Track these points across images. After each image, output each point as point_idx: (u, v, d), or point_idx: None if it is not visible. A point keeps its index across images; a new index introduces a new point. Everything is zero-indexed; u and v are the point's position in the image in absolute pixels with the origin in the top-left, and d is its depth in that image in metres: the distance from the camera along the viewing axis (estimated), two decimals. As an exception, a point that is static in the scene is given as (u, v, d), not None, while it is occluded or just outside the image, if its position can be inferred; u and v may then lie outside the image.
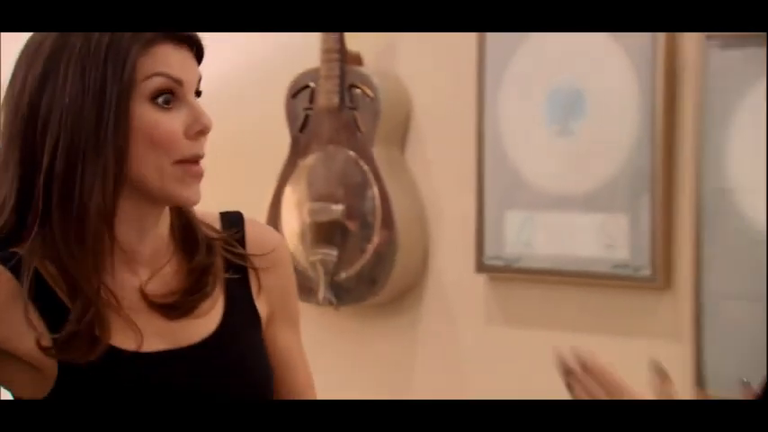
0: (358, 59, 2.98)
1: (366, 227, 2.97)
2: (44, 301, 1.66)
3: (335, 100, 2.96)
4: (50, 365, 1.65)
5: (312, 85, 2.98)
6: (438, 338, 3.07)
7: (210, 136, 1.70)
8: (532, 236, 2.87)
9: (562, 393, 2.31)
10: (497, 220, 2.89)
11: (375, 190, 2.95)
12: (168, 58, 1.67)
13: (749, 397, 1.70)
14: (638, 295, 2.80)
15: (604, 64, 2.77)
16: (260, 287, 1.80)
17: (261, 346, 1.79)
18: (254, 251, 1.79)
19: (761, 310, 2.63)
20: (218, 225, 1.78)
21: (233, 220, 1.81)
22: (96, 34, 1.68)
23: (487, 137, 2.88)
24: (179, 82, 1.67)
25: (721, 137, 2.65)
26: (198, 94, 1.72)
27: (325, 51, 2.92)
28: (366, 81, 2.95)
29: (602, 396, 1.57)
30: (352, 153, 2.98)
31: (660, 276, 2.72)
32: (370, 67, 3.00)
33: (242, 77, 3.06)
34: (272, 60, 3.17)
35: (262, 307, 1.80)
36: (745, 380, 1.73)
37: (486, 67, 2.87)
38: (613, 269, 2.76)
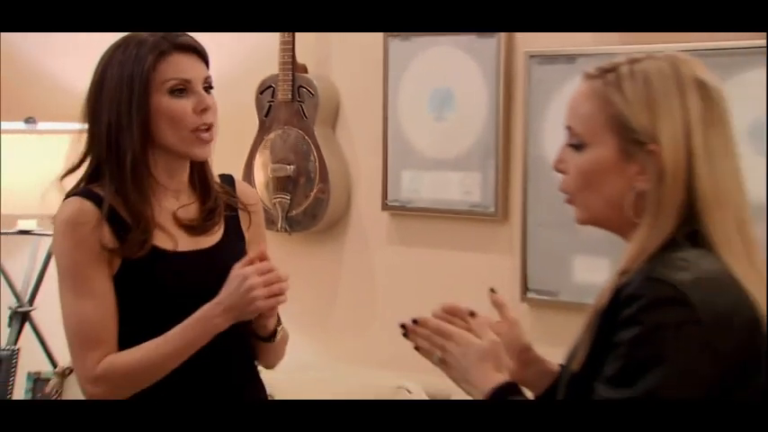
0: (304, 68, 3.14)
1: (309, 180, 3.12)
2: (113, 220, 1.90)
3: (289, 96, 3.10)
4: (115, 261, 1.91)
5: (273, 85, 3.13)
6: (357, 255, 3.18)
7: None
8: (419, 186, 3.05)
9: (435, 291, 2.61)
10: (396, 176, 3.08)
11: (315, 155, 3.11)
12: (179, 65, 1.90)
13: (496, 304, 1.64)
14: (485, 226, 2.97)
15: (466, 73, 2.93)
16: (247, 222, 2.04)
17: (244, 252, 1.99)
18: (242, 197, 2.06)
19: (564, 235, 2.77)
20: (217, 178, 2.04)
21: (228, 179, 2.07)
22: (133, 49, 1.89)
23: (390, 119, 3.07)
24: (187, 80, 1.90)
25: (540, 122, 2.82)
26: (208, 88, 1.93)
27: (282, 63, 3.07)
28: (309, 83, 3.11)
29: (439, 342, 1.51)
30: (300, 132, 3.12)
31: (500, 213, 2.91)
32: (312, 73, 3.15)
33: (228, 77, 2.95)
34: (246, 67, 3.23)
35: (245, 233, 2.06)
36: (493, 289, 1.66)
37: (389, 72, 3.06)
38: (470, 208, 2.95)
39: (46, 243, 3.35)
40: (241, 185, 2.12)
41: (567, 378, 1.47)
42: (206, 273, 1.94)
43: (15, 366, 3.16)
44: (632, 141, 1.41)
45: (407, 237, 3.04)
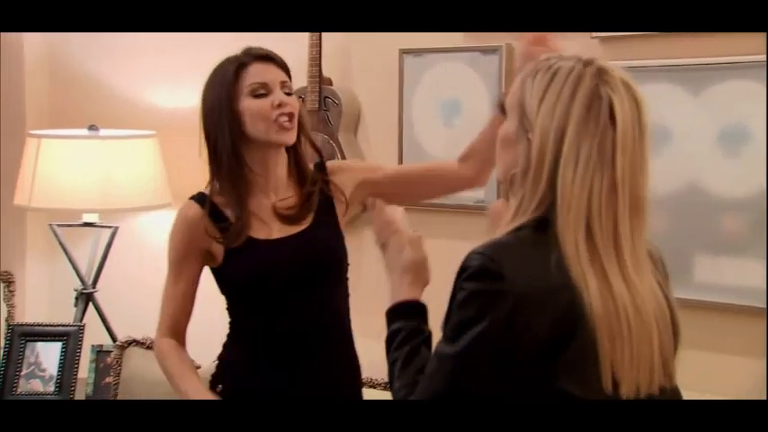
0: (329, 81, 3.13)
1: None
2: (217, 217, 2.03)
3: (316, 105, 3.10)
4: (220, 251, 2.05)
5: (302, 96, 3.07)
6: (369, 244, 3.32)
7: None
8: (431, 185, 3.06)
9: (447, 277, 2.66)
10: (411, 175, 3.11)
11: (339, 158, 3.07)
12: (257, 71, 2.01)
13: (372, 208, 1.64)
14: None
15: (471, 85, 2.93)
16: (339, 196, 2.10)
17: (334, 235, 2.09)
18: (335, 176, 2.13)
19: None
20: (311, 167, 2.13)
21: (320, 166, 2.14)
22: (220, 69, 2.01)
23: (405, 126, 3.06)
24: (264, 83, 2.01)
25: None
26: (287, 94, 1.99)
27: (310, 76, 3.07)
28: (334, 94, 3.11)
29: (385, 233, 1.59)
30: (325, 137, 3.11)
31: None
32: (336, 85, 3.14)
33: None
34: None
35: (340, 207, 2.11)
36: (370, 200, 1.72)
37: (404, 84, 3.05)
38: (475, 203, 2.93)
39: (106, 234, 3.43)
40: (331, 165, 2.18)
41: None
42: (294, 256, 2.03)
43: (81, 340, 3.28)
44: (522, 125, 1.37)
45: (421, 228, 2.76)
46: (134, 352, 2.92)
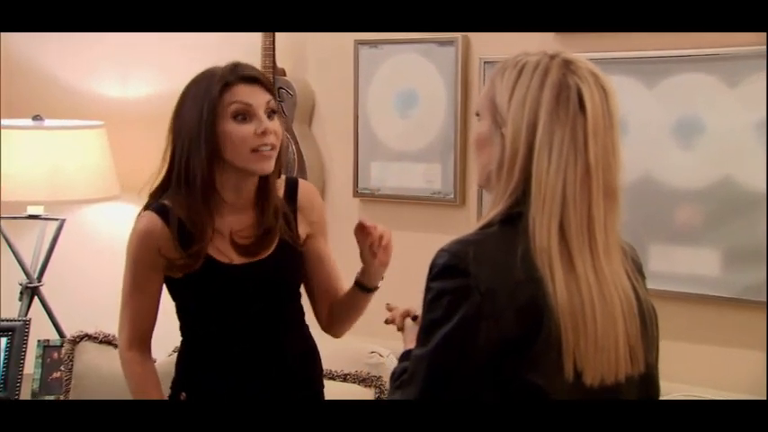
0: (283, 72, 3.12)
1: (288, 171, 3.05)
2: (180, 232, 1.95)
3: None
4: (180, 268, 1.97)
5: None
6: (332, 236, 2.76)
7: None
8: (386, 176, 3.06)
9: (401, 267, 2.64)
10: (365, 166, 3.09)
11: (293, 149, 3.11)
12: (240, 92, 1.91)
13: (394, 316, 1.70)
14: (446, 210, 2.97)
15: (427, 77, 2.94)
16: (303, 222, 2.06)
17: (295, 260, 2.05)
18: (302, 202, 2.07)
19: None
20: (282, 186, 2.04)
21: (292, 183, 2.08)
22: (204, 82, 1.92)
23: (360, 117, 3.08)
24: (248, 105, 1.92)
25: None
26: (270, 113, 1.93)
27: (264, 67, 3.03)
28: (288, 85, 3.10)
29: (400, 323, 1.66)
30: None
31: (459, 199, 2.93)
32: (290, 76, 3.13)
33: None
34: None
35: (303, 232, 2.06)
36: (389, 304, 1.76)
37: (359, 76, 3.06)
38: (431, 195, 2.97)
39: (52, 226, 3.38)
40: (303, 186, 2.12)
41: None
42: (256, 283, 2.01)
43: (27, 335, 3.20)
44: (496, 123, 1.39)
45: (376, 220, 2.76)
46: (86, 347, 2.87)
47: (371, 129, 3.11)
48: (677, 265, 2.62)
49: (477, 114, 1.46)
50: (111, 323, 3.06)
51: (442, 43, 2.93)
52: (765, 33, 2.36)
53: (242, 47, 3.09)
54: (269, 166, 1.95)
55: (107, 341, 2.89)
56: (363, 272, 2.05)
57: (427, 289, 1.35)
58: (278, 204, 2.03)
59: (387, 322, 1.67)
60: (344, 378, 2.79)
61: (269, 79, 2.04)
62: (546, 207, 1.32)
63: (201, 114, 1.90)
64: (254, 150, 1.92)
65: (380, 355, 2.91)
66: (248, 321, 2.04)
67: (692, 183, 2.58)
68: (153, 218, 1.97)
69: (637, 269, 1.46)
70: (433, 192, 3.00)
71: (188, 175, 1.92)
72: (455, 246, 1.34)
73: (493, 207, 1.39)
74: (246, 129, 1.91)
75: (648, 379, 1.44)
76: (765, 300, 2.51)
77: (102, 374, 2.81)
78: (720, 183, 2.57)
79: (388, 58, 3.06)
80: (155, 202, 2.01)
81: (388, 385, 2.77)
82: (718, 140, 2.57)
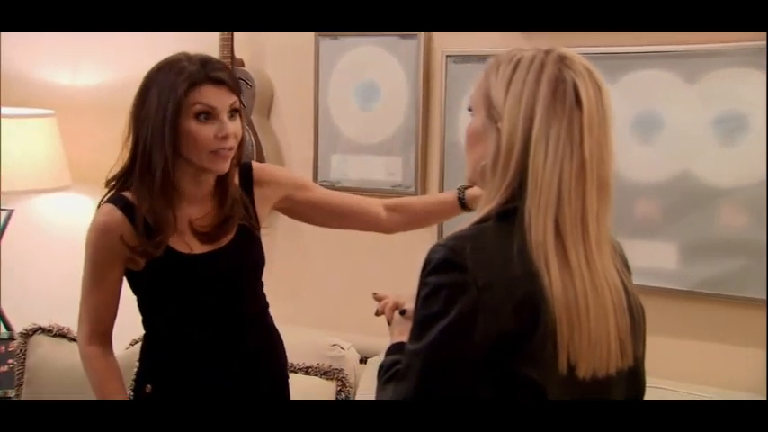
0: (241, 62, 3.12)
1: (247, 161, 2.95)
2: (141, 225, 1.96)
3: None
4: (141, 260, 1.99)
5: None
6: (291, 229, 3.01)
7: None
8: (347, 168, 3.07)
9: (362, 258, 2.61)
10: (326, 159, 3.10)
11: (252, 140, 3.09)
12: (206, 94, 1.92)
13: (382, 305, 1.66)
14: None
15: (389, 69, 2.96)
16: (265, 200, 2.08)
17: (255, 247, 2.08)
18: (259, 182, 2.11)
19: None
20: (236, 173, 2.06)
21: (246, 168, 2.11)
22: (172, 76, 1.91)
23: (321, 109, 3.08)
24: (212, 107, 1.93)
25: (455, 113, 2.85)
26: (233, 112, 1.94)
27: (222, 57, 3.01)
28: (247, 76, 3.09)
29: (389, 314, 1.63)
30: None
31: (420, 191, 2.95)
32: (248, 66, 3.13)
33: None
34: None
35: (261, 214, 2.10)
36: (377, 293, 1.70)
37: (320, 67, 3.07)
38: (393, 188, 2.99)
39: (0, 217, 3.31)
40: (259, 173, 2.15)
41: None
42: (216, 271, 2.03)
43: (-27, 329, 3.13)
44: (491, 117, 1.39)
45: None
46: (40, 340, 2.83)
47: (332, 121, 3.12)
48: (636, 258, 2.61)
49: (470, 109, 1.47)
50: (61, 316, 3.08)
51: (404, 36, 2.95)
52: (721, 33, 2.41)
53: (198, 36, 3.07)
54: (225, 167, 1.98)
55: (61, 334, 2.86)
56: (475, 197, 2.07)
57: (423, 284, 1.35)
58: (236, 194, 2.06)
59: (377, 314, 1.66)
60: (306, 371, 2.80)
61: (236, 80, 2.03)
62: (542, 201, 1.34)
63: (166, 111, 1.91)
64: (213, 152, 1.94)
65: (342, 348, 2.93)
66: (210, 310, 2.04)
67: (650, 177, 2.63)
68: (113, 210, 1.98)
69: (624, 264, 1.48)
70: (394, 184, 3.02)
71: (149, 167, 1.94)
72: (451, 241, 1.35)
73: (487, 202, 1.39)
74: (207, 130, 1.93)
75: (636, 373, 1.46)
76: (727, 293, 2.61)
77: (58, 368, 2.78)
78: (678, 177, 2.63)
79: (349, 50, 3.07)
80: (115, 194, 2.01)
81: (350, 378, 2.84)
82: (676, 136, 2.64)
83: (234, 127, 1.97)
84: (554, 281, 1.32)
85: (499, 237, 1.35)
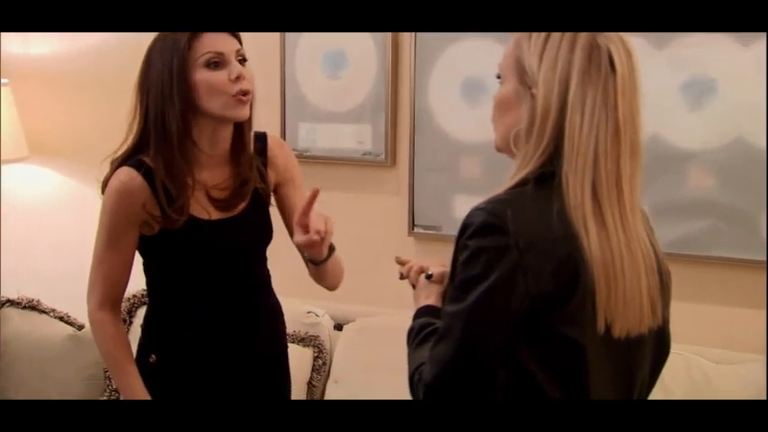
0: None
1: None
2: (160, 191, 1.93)
3: None
4: (157, 225, 1.96)
5: None
6: None
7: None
8: (315, 137, 3.08)
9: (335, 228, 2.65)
10: (293, 128, 3.11)
11: None
12: (212, 40, 1.91)
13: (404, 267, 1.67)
14: (376, 171, 3.05)
15: (357, 36, 2.97)
16: (272, 174, 2.07)
17: (267, 215, 2.07)
18: (272, 156, 2.09)
19: (446, 177, 2.91)
20: (252, 140, 2.04)
21: (261, 137, 2.09)
22: (171, 35, 1.89)
23: (287, 80, 3.10)
24: (220, 53, 1.91)
25: (425, 79, 2.91)
26: (241, 61, 1.93)
27: None
28: None
29: (413, 277, 1.63)
30: None
31: (390, 159, 3.01)
32: None
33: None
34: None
35: (272, 179, 2.09)
36: (399, 257, 1.70)
37: (286, 35, 3.06)
38: (362, 156, 3.04)
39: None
40: (272, 142, 2.13)
41: None
42: (233, 239, 2.02)
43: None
44: (524, 84, 1.42)
45: (306, 181, 2.91)
46: (9, 312, 2.79)
47: (299, 89, 3.12)
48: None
49: (498, 77, 1.49)
50: (24, 287, 3.02)
51: (373, 3, 2.96)
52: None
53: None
54: (246, 112, 1.95)
55: (31, 306, 2.81)
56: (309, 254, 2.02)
57: (463, 246, 1.37)
58: (252, 155, 2.04)
59: (401, 278, 1.67)
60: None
61: None
62: (579, 165, 1.37)
63: (172, 67, 1.88)
64: (232, 96, 1.91)
65: (316, 315, 2.96)
66: (221, 279, 2.03)
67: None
68: (131, 173, 1.94)
69: (650, 228, 1.52)
70: (364, 152, 3.05)
71: (164, 128, 1.90)
72: (491, 204, 1.37)
73: (522, 167, 1.41)
74: (221, 75, 1.91)
75: (663, 333, 1.51)
76: (695, 253, 2.72)
77: (28, 341, 2.74)
78: (648, 141, 2.67)
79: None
80: (130, 159, 1.97)
81: (326, 345, 2.87)
82: (645, 100, 2.67)
83: (247, 72, 1.95)
84: (592, 242, 1.36)
85: (537, 200, 1.38)
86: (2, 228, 3.38)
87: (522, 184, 1.40)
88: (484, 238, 1.34)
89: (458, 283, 1.37)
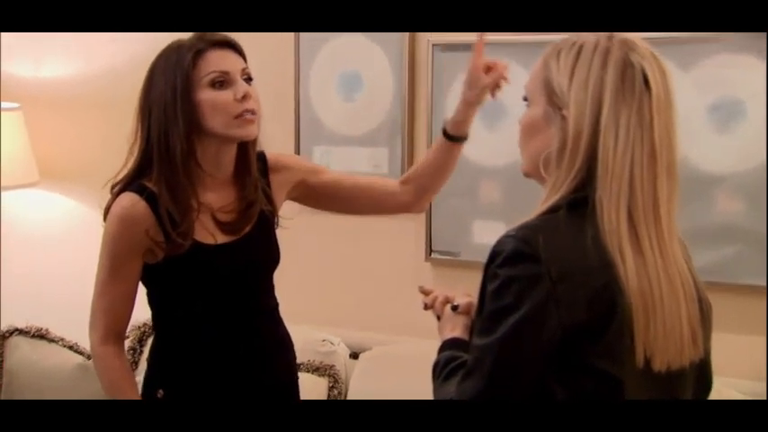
0: None
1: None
2: (164, 216, 1.88)
3: None
4: (160, 252, 1.91)
5: None
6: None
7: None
8: (329, 160, 3.04)
9: (350, 252, 2.57)
10: (308, 151, 3.08)
11: None
12: (216, 59, 1.88)
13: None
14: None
15: (373, 59, 2.95)
16: (281, 187, 2.05)
17: (273, 238, 2.04)
18: (274, 169, 2.06)
19: (465, 202, 2.87)
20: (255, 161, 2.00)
21: (261, 158, 2.05)
22: (174, 55, 1.86)
23: (302, 101, 3.07)
24: (225, 72, 1.87)
25: (442, 102, 2.86)
26: (247, 80, 1.89)
27: None
28: None
29: (438, 308, 1.59)
30: None
31: None
32: None
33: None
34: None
35: (279, 199, 2.07)
36: (423, 287, 1.66)
37: (300, 57, 3.05)
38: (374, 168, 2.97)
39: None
40: (274, 161, 2.09)
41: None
42: (239, 261, 1.97)
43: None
44: (554, 105, 1.37)
45: None
46: (18, 342, 2.74)
47: (314, 112, 3.09)
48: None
49: (525, 99, 1.44)
50: (32, 315, 2.98)
51: (389, 25, 2.93)
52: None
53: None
54: (253, 131, 1.91)
55: (39, 335, 2.77)
56: (457, 121, 2.05)
57: (493, 275, 1.32)
58: (257, 176, 2.00)
59: (425, 308, 1.61)
60: (297, 368, 2.73)
61: (239, 43, 1.96)
62: (614, 188, 1.32)
63: (175, 85, 1.84)
64: (237, 116, 1.87)
65: (332, 344, 2.90)
66: (227, 301, 1.98)
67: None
68: (134, 198, 1.89)
69: (687, 253, 1.46)
70: (381, 176, 2.93)
71: (168, 150, 1.85)
72: (522, 231, 1.31)
73: (553, 192, 1.36)
74: (226, 95, 1.87)
75: (704, 366, 1.44)
76: (724, 281, 2.63)
77: (36, 371, 2.70)
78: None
79: (331, 40, 3.04)
80: (132, 183, 1.91)
81: (341, 374, 2.81)
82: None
83: (252, 91, 1.91)
84: (629, 269, 1.30)
85: (570, 227, 1.32)
86: (12, 254, 3.34)
87: (553, 210, 1.35)
88: (515, 266, 1.29)
89: (487, 314, 1.32)
